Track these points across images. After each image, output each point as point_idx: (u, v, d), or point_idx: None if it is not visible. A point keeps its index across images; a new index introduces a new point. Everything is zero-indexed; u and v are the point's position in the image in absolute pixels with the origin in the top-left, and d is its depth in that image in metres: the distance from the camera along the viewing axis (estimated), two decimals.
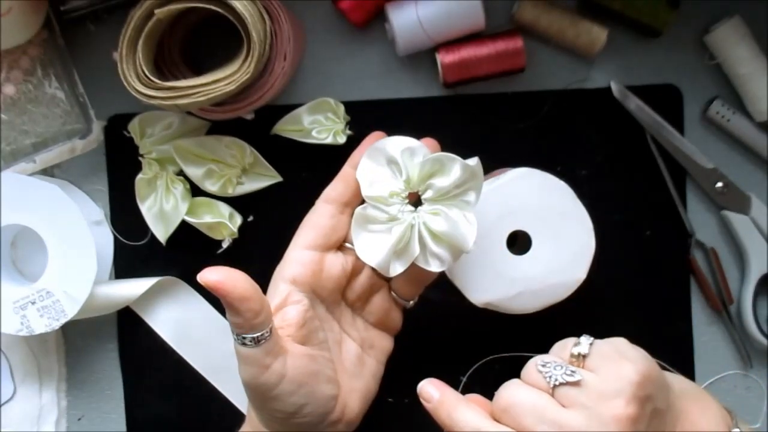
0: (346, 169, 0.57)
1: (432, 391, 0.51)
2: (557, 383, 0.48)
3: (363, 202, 0.55)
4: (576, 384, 0.47)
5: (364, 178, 0.54)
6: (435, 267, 0.54)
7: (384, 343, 0.59)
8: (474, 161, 0.52)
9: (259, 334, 0.49)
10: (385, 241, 0.53)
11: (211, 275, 0.48)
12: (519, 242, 0.58)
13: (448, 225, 0.52)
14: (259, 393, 0.51)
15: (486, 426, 0.48)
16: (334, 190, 0.56)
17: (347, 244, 0.56)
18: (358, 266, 0.57)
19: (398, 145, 0.54)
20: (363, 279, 0.57)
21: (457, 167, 0.52)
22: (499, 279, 0.57)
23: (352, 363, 0.57)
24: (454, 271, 0.58)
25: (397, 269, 0.54)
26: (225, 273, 0.48)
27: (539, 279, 0.57)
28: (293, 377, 0.51)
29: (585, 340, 0.49)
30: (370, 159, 0.54)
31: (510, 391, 0.49)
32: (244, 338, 0.49)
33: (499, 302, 0.58)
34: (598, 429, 0.45)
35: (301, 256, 0.55)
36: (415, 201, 0.54)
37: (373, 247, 0.54)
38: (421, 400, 0.51)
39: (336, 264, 0.56)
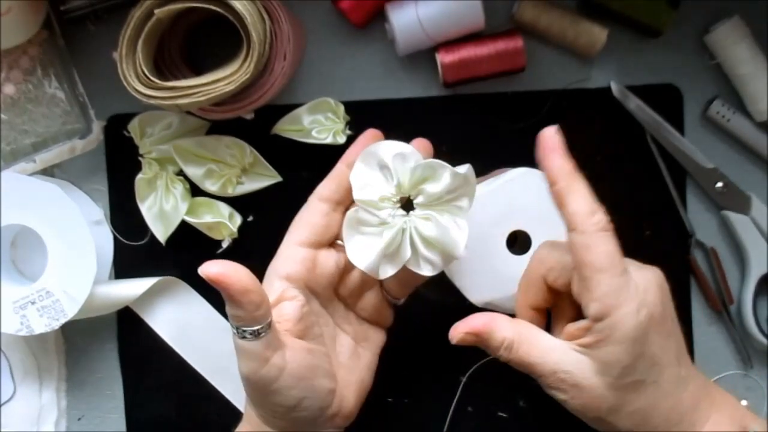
0: (340, 167, 0.57)
1: (561, 161, 0.51)
2: None
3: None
4: None
5: (357, 182, 0.54)
6: (427, 271, 0.54)
7: (377, 336, 0.60)
8: (465, 168, 0.52)
9: (259, 327, 0.49)
10: (375, 244, 0.53)
11: (211, 268, 0.48)
12: (519, 242, 0.58)
13: (438, 231, 0.52)
14: (259, 387, 0.51)
15: (597, 204, 0.50)
16: (328, 188, 0.56)
17: (339, 242, 0.57)
18: (351, 263, 0.57)
19: (391, 149, 0.53)
20: (355, 276, 0.57)
21: (446, 174, 0.52)
22: (499, 279, 0.57)
23: (347, 357, 0.57)
24: (453, 271, 0.58)
25: (387, 272, 0.54)
26: (226, 266, 0.48)
27: None
28: (292, 370, 0.52)
29: None
30: (363, 163, 0.54)
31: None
32: (244, 331, 0.50)
33: (499, 302, 0.58)
34: (649, 269, 0.50)
35: (295, 253, 0.55)
36: (407, 205, 0.54)
37: (364, 250, 0.54)
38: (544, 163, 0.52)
39: (329, 261, 0.56)
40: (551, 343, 0.51)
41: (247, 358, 0.51)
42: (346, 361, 0.57)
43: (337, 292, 0.58)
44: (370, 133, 0.58)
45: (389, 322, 0.60)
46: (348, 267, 0.57)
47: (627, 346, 0.47)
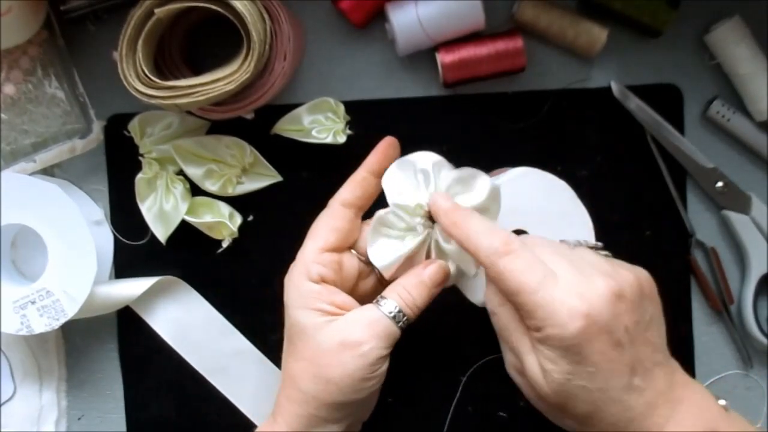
0: (363, 173, 0.57)
1: (443, 201, 0.53)
2: (579, 243, 0.52)
3: (374, 207, 0.56)
4: (595, 248, 0.52)
5: (392, 187, 0.55)
6: None
7: None
8: (499, 181, 0.54)
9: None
10: (398, 248, 0.55)
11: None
12: None
13: (458, 247, 0.54)
14: (373, 374, 0.53)
15: (495, 230, 0.51)
16: (353, 194, 0.57)
17: (353, 252, 0.58)
18: (368, 267, 0.58)
19: (429, 159, 0.54)
20: (370, 280, 0.58)
21: (483, 185, 0.54)
22: None
23: None
24: None
25: (397, 275, 0.56)
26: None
27: None
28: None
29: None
30: (400, 169, 0.55)
31: (529, 236, 0.53)
32: (405, 320, 0.54)
33: None
34: (607, 277, 0.48)
35: (323, 258, 0.55)
36: (431, 217, 0.55)
37: (386, 252, 0.55)
38: (432, 208, 0.54)
39: (353, 264, 0.57)
40: (527, 333, 0.50)
41: (386, 343, 0.53)
42: None
43: (352, 294, 0.58)
44: (389, 140, 0.59)
45: None
46: (363, 272, 0.58)
47: (561, 355, 0.47)
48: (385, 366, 0.53)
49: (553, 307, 0.47)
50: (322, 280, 0.55)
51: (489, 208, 0.54)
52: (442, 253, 0.55)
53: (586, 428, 0.49)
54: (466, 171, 0.54)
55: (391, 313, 0.53)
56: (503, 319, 0.51)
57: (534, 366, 0.49)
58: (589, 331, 0.46)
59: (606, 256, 0.53)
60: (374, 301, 0.54)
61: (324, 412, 0.53)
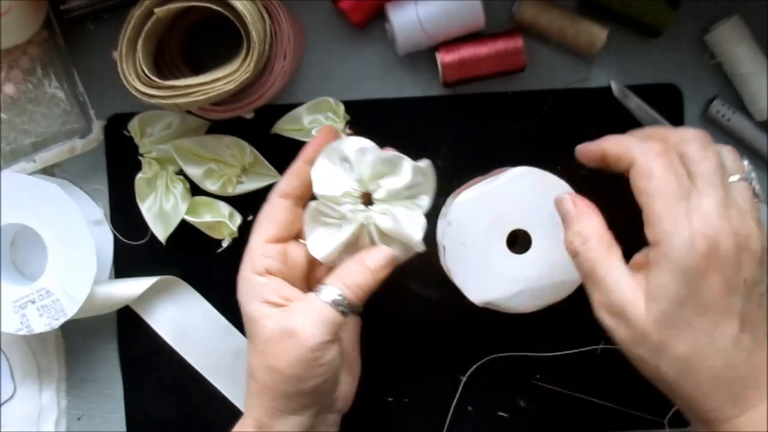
0: (299, 164, 0.58)
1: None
2: (741, 178, 0.49)
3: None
4: (753, 191, 0.50)
5: (319, 177, 0.55)
6: None
7: (354, 320, 0.61)
8: (424, 163, 0.54)
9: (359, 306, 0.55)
10: (335, 237, 0.55)
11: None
12: (519, 242, 0.58)
13: (393, 223, 0.54)
14: (316, 359, 0.52)
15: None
16: (288, 185, 0.58)
17: (301, 240, 0.58)
18: None
19: (353, 145, 0.54)
20: (324, 266, 0.58)
21: (407, 166, 0.53)
22: (499, 278, 0.57)
23: None
24: (453, 270, 0.58)
25: (341, 263, 0.56)
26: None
27: (539, 278, 0.57)
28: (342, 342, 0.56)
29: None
30: (326, 158, 0.55)
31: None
32: (348, 305, 0.53)
33: (498, 301, 0.58)
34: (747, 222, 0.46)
35: (267, 249, 0.56)
36: (370, 201, 0.56)
37: (324, 243, 0.56)
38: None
39: (299, 253, 0.57)
40: (620, 264, 0.48)
41: (326, 329, 0.52)
42: None
43: (308, 282, 0.59)
44: (327, 129, 0.60)
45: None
46: (315, 260, 0.58)
47: (676, 277, 0.44)
48: (330, 354, 0.53)
49: (680, 222, 0.45)
50: (268, 272, 0.55)
51: (423, 186, 0.54)
52: (384, 235, 0.55)
53: (684, 378, 0.45)
54: (388, 154, 0.54)
55: (331, 299, 0.53)
56: (591, 252, 0.49)
57: (635, 295, 0.46)
58: (710, 261, 0.44)
59: (756, 202, 0.50)
60: (314, 288, 0.55)
61: (279, 403, 0.53)
